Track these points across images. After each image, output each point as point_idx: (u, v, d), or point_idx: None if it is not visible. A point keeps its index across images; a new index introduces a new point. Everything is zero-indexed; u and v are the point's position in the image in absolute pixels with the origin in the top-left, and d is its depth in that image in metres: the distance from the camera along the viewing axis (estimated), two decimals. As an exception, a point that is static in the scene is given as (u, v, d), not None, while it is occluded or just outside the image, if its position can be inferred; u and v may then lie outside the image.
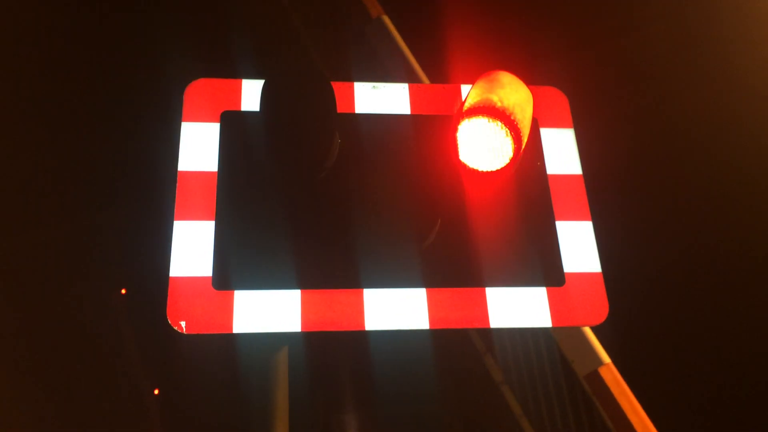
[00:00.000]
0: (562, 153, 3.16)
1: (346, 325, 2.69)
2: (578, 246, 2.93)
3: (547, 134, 3.19)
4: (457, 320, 2.74)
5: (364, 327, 2.70)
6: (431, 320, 2.73)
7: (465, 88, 3.27)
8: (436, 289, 2.78)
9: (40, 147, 5.19)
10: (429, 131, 3.13)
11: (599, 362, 3.82)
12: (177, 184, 2.88)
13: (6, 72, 5.29)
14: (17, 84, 5.26)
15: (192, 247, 2.75)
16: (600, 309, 2.82)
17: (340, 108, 2.90)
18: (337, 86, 2.83)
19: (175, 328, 2.62)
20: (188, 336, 2.63)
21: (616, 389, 3.78)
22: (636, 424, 3.73)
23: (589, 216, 3.00)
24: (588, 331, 3.90)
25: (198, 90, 3.12)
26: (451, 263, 2.82)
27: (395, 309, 2.73)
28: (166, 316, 2.63)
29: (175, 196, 2.86)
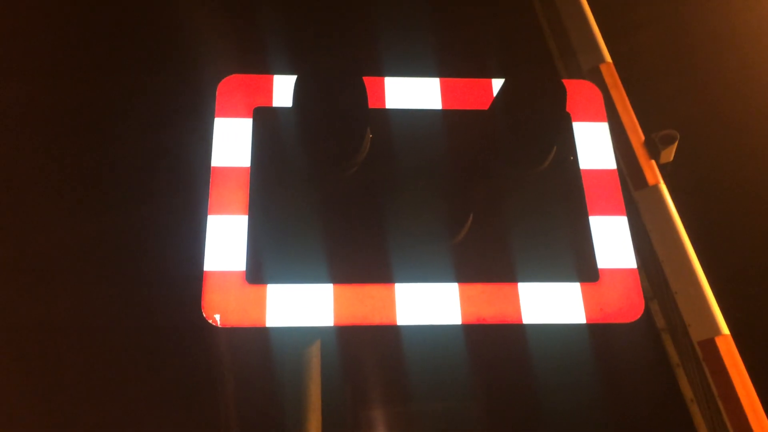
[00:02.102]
0: (596, 147, 3.12)
1: (378, 320, 2.69)
2: (613, 241, 2.90)
3: (580, 128, 3.16)
4: (489, 316, 2.73)
5: (395, 322, 2.70)
6: (463, 316, 2.72)
7: (496, 83, 3.25)
8: (469, 284, 2.77)
9: (72, 144, 5.28)
10: (460, 126, 3.12)
11: (717, 331, 3.76)
12: (210, 180, 2.91)
13: (40, 68, 5.39)
14: (53, 80, 5.35)
15: (226, 242, 2.77)
16: (636, 305, 2.78)
17: (371, 103, 2.90)
18: (368, 81, 2.83)
19: (210, 321, 2.65)
20: (222, 329, 2.66)
21: (729, 361, 3.71)
22: (743, 397, 3.67)
23: (624, 211, 2.96)
24: (711, 300, 3.82)
25: (230, 86, 3.15)
26: (484, 258, 2.81)
27: (427, 304, 2.73)
28: (200, 310, 2.66)
29: (208, 191, 2.89)
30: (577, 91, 3.24)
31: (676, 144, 4.10)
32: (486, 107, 3.13)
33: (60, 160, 5.21)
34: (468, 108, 3.18)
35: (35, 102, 5.27)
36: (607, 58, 4.60)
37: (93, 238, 5.08)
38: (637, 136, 4.18)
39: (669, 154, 4.14)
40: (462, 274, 2.78)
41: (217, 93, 3.13)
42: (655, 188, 3.99)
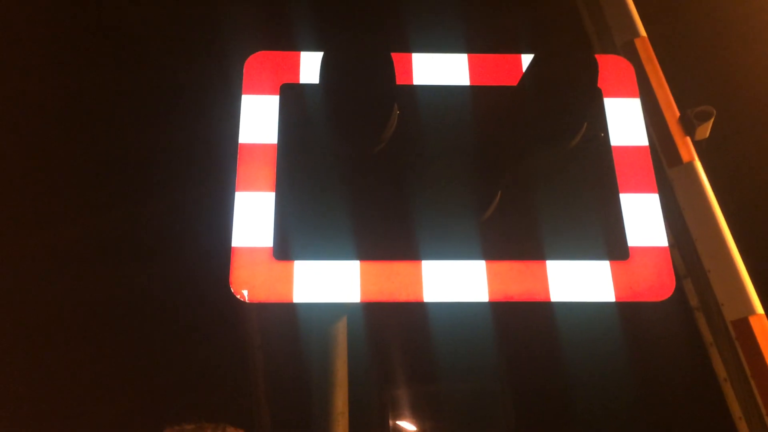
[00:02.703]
0: (627, 123, 3.06)
1: (404, 297, 2.69)
2: (644, 219, 2.84)
3: (611, 104, 3.09)
4: (517, 293, 2.71)
5: (422, 299, 2.70)
6: (491, 293, 2.71)
7: (526, 58, 3.19)
8: (496, 261, 2.75)
9: (101, 127, 5.36)
10: (489, 102, 3.08)
11: (751, 311, 3.70)
12: (238, 156, 2.92)
13: (70, 51, 5.46)
14: (85, 66, 5.41)
15: (253, 218, 2.79)
16: (666, 284, 2.74)
17: (399, 79, 2.88)
18: (395, 57, 2.80)
19: (238, 296, 2.67)
20: (250, 305, 2.68)
21: (763, 340, 3.66)
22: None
23: (656, 188, 2.90)
24: (745, 278, 3.76)
25: (257, 62, 3.15)
26: (512, 235, 2.78)
27: (454, 281, 2.72)
28: (228, 286, 2.68)
29: (236, 168, 2.91)
30: (609, 66, 3.17)
31: (712, 120, 4.00)
32: (515, 83, 3.09)
33: (91, 144, 5.30)
34: (496, 84, 3.13)
35: (72, 89, 5.35)
36: (642, 32, 4.48)
37: (124, 219, 5.17)
38: (671, 112, 4.08)
39: (705, 130, 4.04)
40: (489, 251, 2.76)
41: (244, 70, 3.13)
42: (690, 165, 3.90)
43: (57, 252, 5.11)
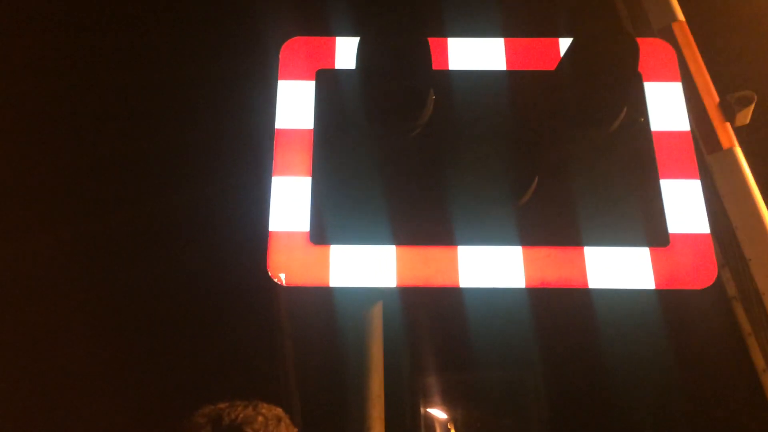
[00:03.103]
0: (668, 108, 3.00)
1: (440, 282, 2.69)
2: (685, 205, 2.80)
3: (652, 88, 3.04)
4: (554, 280, 2.69)
5: (458, 284, 2.69)
6: (527, 279, 2.69)
7: (564, 43, 3.15)
8: (533, 247, 2.73)
9: (135, 116, 5.43)
10: (526, 87, 3.04)
11: None
12: (275, 141, 2.94)
13: (110, 40, 5.53)
14: (123, 56, 5.48)
15: (290, 203, 2.81)
16: (708, 272, 2.69)
17: (435, 64, 2.86)
18: (431, 42, 2.78)
19: (275, 280, 2.70)
20: (287, 289, 2.71)
21: None
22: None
23: (698, 174, 2.85)
24: None
25: (293, 48, 3.15)
26: (549, 221, 2.76)
27: (490, 267, 2.70)
28: (266, 269, 2.71)
29: (273, 154, 2.93)
30: (650, 49, 3.12)
31: (752, 106, 3.90)
32: (553, 67, 3.05)
33: (130, 134, 5.38)
34: (534, 68, 3.09)
35: (109, 79, 5.43)
36: (680, 16, 4.38)
37: (161, 207, 5.25)
38: (711, 97, 3.98)
39: (745, 116, 3.94)
40: (526, 237, 2.74)
41: (280, 56, 3.14)
42: (730, 152, 3.81)
43: (97, 241, 5.21)
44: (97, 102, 5.40)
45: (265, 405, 2.08)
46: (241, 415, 1.96)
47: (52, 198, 5.14)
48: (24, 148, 5.14)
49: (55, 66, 5.18)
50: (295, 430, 2.10)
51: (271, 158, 2.90)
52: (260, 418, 1.97)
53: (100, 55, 5.35)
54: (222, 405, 2.06)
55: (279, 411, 2.09)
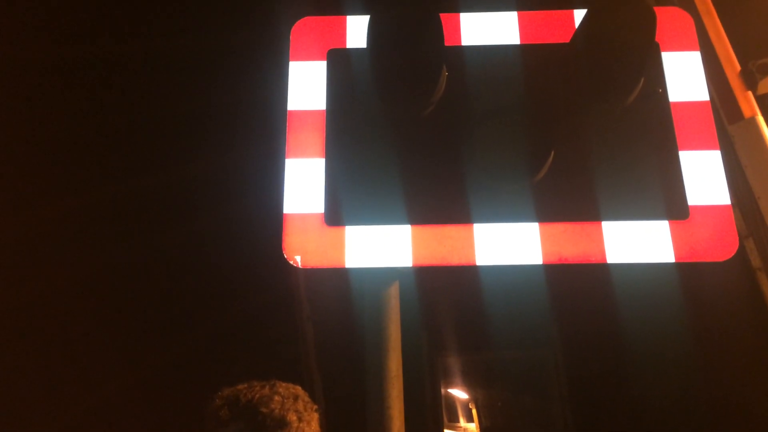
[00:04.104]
0: (686, 78, 2.94)
1: (456, 260, 2.68)
2: (705, 177, 2.74)
3: (670, 58, 2.97)
4: (571, 255, 2.66)
5: (474, 262, 2.68)
6: (544, 255, 2.67)
7: (578, 14, 3.09)
8: (550, 223, 2.70)
9: (150, 93, 5.42)
10: (540, 60, 2.99)
11: None
12: (287, 123, 2.93)
13: (127, 22, 5.52)
14: (130, 33, 5.46)
15: (304, 184, 2.80)
16: (729, 243, 2.65)
17: (447, 40, 2.82)
18: (443, 18, 2.74)
19: (291, 262, 2.70)
20: (303, 270, 2.70)
21: None
22: None
23: (717, 145, 2.79)
24: None
25: (304, 28, 3.13)
26: (565, 196, 2.72)
27: (507, 244, 2.68)
28: (281, 251, 2.71)
29: (285, 135, 2.91)
30: (667, 18, 3.04)
31: None
32: (567, 40, 2.99)
33: (143, 108, 5.37)
34: (548, 42, 3.04)
35: (121, 55, 5.42)
36: (700, -17, 4.29)
37: (174, 183, 5.26)
38: (732, 66, 3.90)
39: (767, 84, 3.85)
40: (543, 213, 2.71)
41: (291, 36, 3.12)
42: (752, 121, 3.73)
43: (102, 213, 5.22)
44: (107, 74, 5.38)
45: (283, 384, 2.10)
46: (258, 395, 1.98)
47: (62, 168, 5.16)
48: (33, 115, 5.14)
49: (62, 34, 5.17)
50: (315, 406, 2.11)
51: (284, 140, 2.89)
52: (276, 398, 1.99)
53: (110, 29, 5.35)
54: (241, 386, 2.08)
55: (297, 389, 2.10)
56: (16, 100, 4.93)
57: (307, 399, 2.09)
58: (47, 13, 5.01)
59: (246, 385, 2.07)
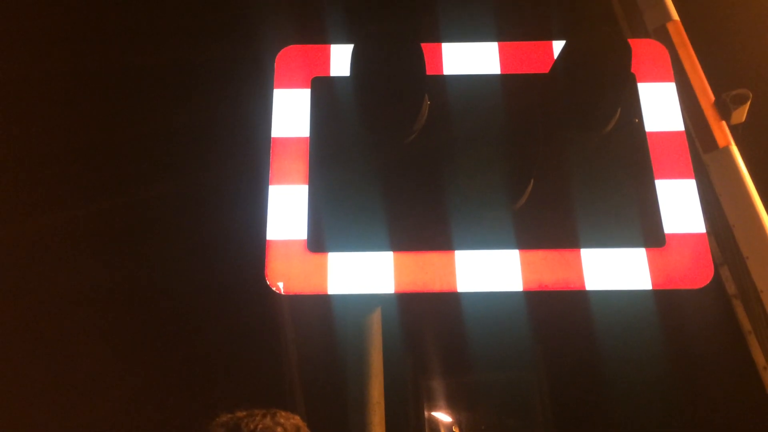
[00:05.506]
0: (662, 108, 3.01)
1: (438, 287, 2.70)
2: (680, 205, 2.81)
3: (646, 89, 3.05)
4: (551, 282, 2.70)
5: (456, 289, 2.70)
6: (525, 282, 2.70)
7: (557, 45, 3.16)
8: (530, 250, 2.74)
9: (133, 113, 5.41)
10: (520, 90, 3.06)
11: None
12: (271, 150, 2.95)
13: (105, 41, 5.51)
14: (116, 53, 5.47)
15: (287, 211, 2.82)
16: (704, 271, 2.70)
17: (429, 69, 2.87)
18: (425, 47, 2.80)
19: (273, 289, 2.71)
20: (285, 297, 2.71)
21: None
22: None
23: (693, 174, 2.86)
24: None
25: (289, 57, 3.17)
26: (545, 224, 2.77)
27: (488, 271, 2.71)
28: (264, 278, 2.72)
29: (269, 162, 2.94)
30: (643, 50, 3.13)
31: (748, 104, 3.91)
32: (547, 70, 3.06)
33: (121, 128, 5.36)
34: (528, 72, 3.11)
35: (101, 70, 5.41)
36: (675, 16, 4.40)
37: (159, 199, 5.23)
38: (706, 96, 4.00)
39: (741, 114, 3.95)
40: (523, 240, 2.75)
41: (275, 64, 3.16)
42: (726, 150, 3.82)
43: (75, 233, 5.18)
44: (92, 89, 5.36)
45: (284, 414, 2.05)
46: (260, 426, 1.93)
47: (45, 184, 5.11)
48: (17, 131, 5.09)
49: (51, 47, 5.16)
50: None
51: (268, 167, 2.92)
52: (279, 429, 1.94)
53: (89, 42, 5.34)
54: (240, 414, 2.02)
55: (297, 420, 2.05)
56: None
57: (307, 430, 2.05)
58: (20, 30, 5.02)
59: (246, 413, 2.01)
